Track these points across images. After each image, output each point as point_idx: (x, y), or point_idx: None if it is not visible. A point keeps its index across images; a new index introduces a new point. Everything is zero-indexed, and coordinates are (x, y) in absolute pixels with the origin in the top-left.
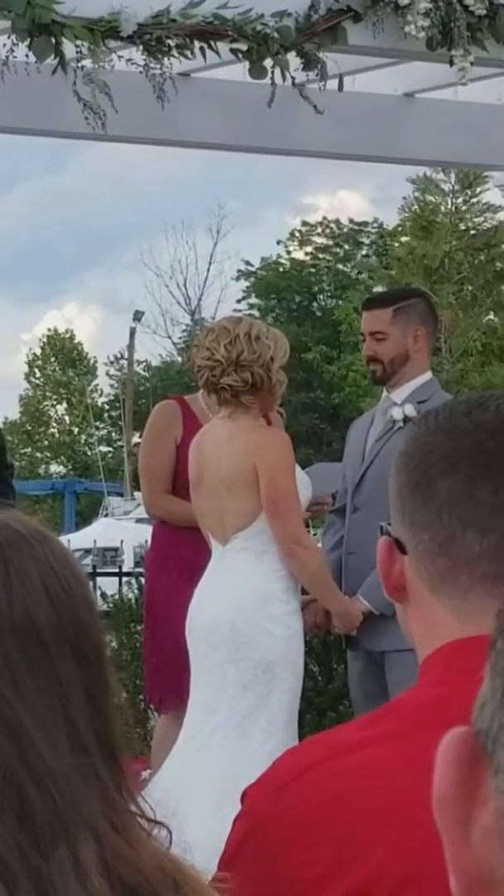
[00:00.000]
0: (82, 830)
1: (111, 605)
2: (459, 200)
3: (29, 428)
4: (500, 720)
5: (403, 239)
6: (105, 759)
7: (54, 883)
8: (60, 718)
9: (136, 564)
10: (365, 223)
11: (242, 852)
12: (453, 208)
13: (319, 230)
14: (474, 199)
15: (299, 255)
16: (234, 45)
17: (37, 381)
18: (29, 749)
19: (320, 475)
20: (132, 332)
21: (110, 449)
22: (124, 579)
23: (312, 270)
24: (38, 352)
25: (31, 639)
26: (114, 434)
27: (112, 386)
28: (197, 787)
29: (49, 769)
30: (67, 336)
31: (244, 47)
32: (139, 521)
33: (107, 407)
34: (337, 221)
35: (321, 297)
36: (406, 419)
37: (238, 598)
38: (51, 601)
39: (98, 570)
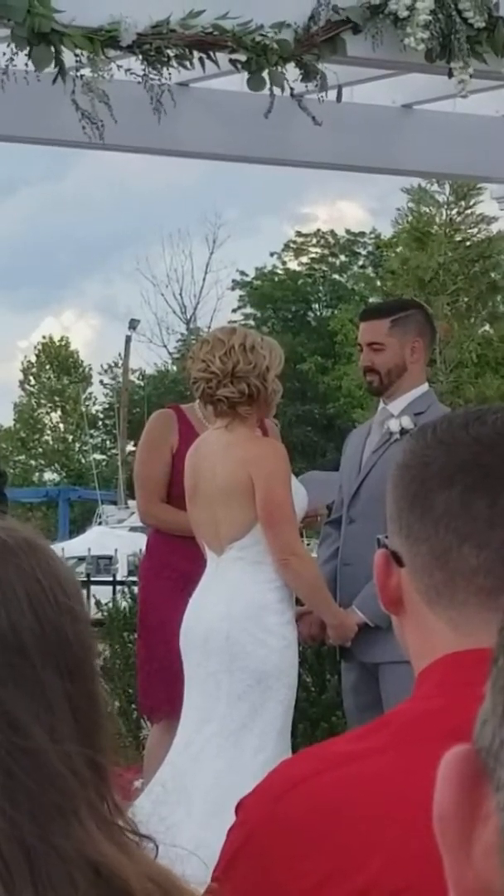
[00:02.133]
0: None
1: (105, 613)
2: (454, 212)
3: (23, 435)
4: (501, 737)
5: (399, 250)
6: (89, 772)
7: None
8: (45, 727)
9: (130, 573)
10: (362, 233)
11: (237, 863)
12: (447, 219)
13: (314, 241)
14: (468, 211)
15: (294, 265)
16: (233, 56)
17: (31, 389)
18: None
19: (314, 484)
20: (127, 341)
21: (104, 457)
22: (118, 588)
23: (308, 280)
24: (33, 359)
25: (13, 648)
26: (108, 442)
27: (106, 395)
28: (190, 797)
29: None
30: (62, 344)
31: (243, 58)
32: (133, 529)
33: (101, 415)
34: (332, 232)
35: (316, 306)
36: (403, 431)
37: (233, 609)
38: (34, 613)
39: (92, 579)
